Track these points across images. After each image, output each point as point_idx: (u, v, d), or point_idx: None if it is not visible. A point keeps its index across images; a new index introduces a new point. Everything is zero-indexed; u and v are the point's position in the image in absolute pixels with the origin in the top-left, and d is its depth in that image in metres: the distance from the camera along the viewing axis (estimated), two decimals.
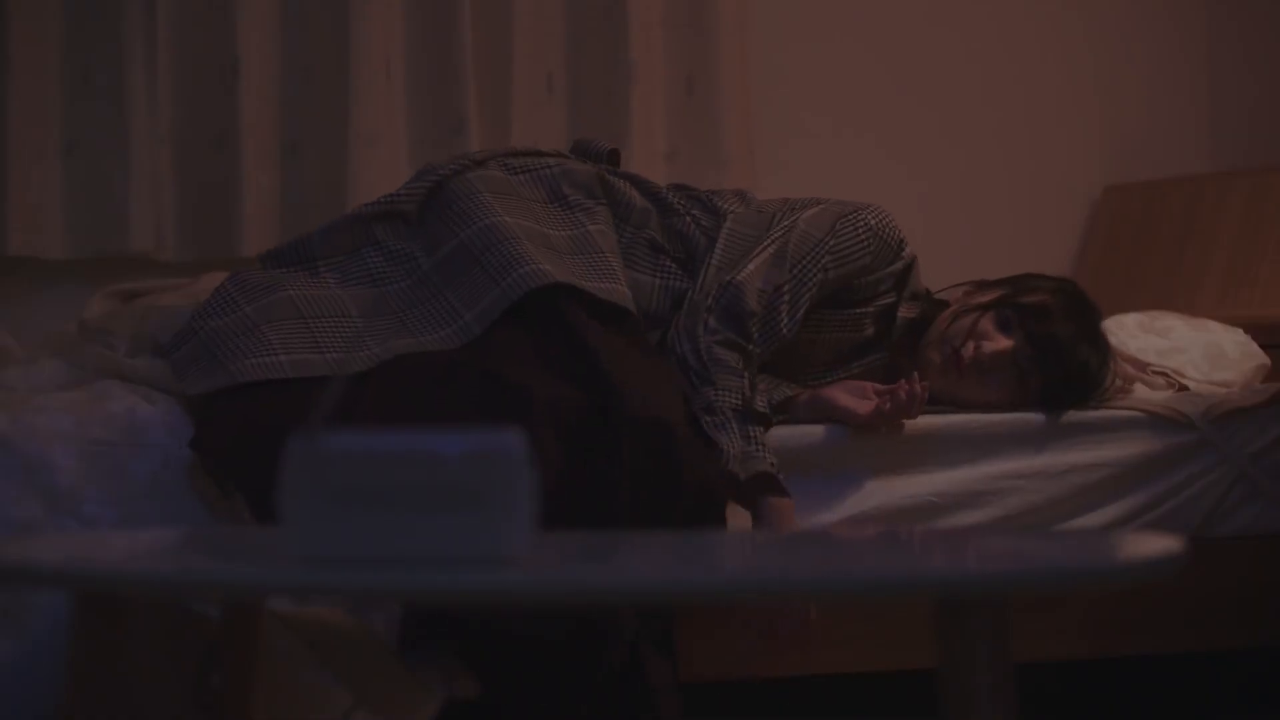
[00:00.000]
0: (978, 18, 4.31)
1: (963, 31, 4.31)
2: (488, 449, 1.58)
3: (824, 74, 4.19)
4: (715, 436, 2.70)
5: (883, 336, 3.03)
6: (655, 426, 2.54)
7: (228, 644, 2.00)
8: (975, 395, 2.97)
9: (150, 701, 1.74)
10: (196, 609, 2.23)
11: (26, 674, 2.50)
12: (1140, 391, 3.27)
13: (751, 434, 2.72)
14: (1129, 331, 3.40)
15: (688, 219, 2.92)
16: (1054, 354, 2.94)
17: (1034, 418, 2.99)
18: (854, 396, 2.87)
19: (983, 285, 3.05)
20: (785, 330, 2.84)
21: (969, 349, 2.94)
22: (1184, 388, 3.26)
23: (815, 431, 2.90)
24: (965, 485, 2.91)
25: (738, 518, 2.71)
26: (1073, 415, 3.01)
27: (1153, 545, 1.64)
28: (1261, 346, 3.39)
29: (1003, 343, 2.94)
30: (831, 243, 2.88)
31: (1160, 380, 3.29)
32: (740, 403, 2.73)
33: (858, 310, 2.97)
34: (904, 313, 3.02)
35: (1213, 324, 3.43)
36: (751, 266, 2.83)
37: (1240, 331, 3.42)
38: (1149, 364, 3.32)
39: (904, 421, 2.88)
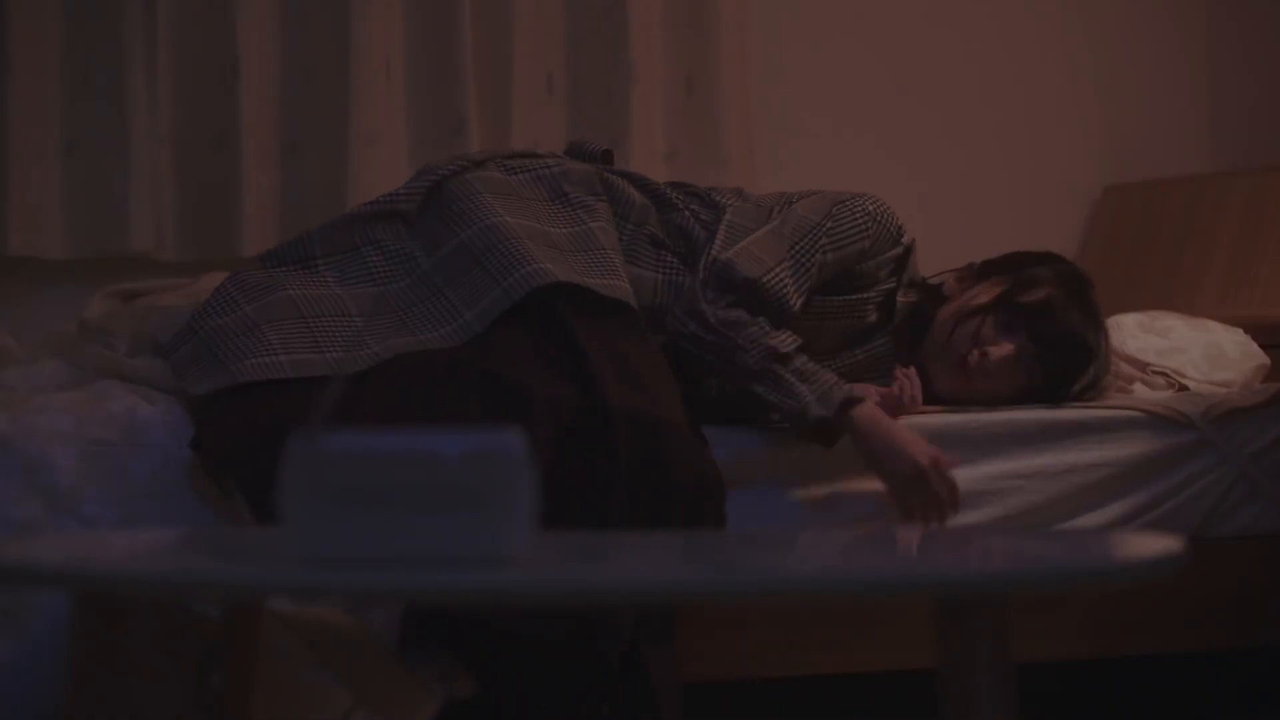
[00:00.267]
0: (978, 18, 4.31)
1: (963, 31, 4.31)
2: (488, 449, 1.58)
3: (824, 74, 4.19)
4: (782, 402, 2.74)
5: (884, 323, 3.03)
6: (641, 422, 2.54)
7: (228, 644, 2.00)
8: (984, 394, 2.99)
9: (150, 701, 1.74)
10: (196, 609, 2.23)
11: (26, 674, 2.50)
12: (1140, 391, 3.27)
13: (804, 371, 2.76)
14: (1129, 331, 3.40)
15: (687, 213, 2.93)
16: (1060, 350, 2.96)
17: (1034, 417, 2.98)
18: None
19: (977, 273, 3.06)
20: (796, 308, 2.85)
21: (974, 357, 2.96)
22: (1184, 388, 3.26)
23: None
24: (965, 485, 2.91)
25: (736, 516, 2.71)
26: (1073, 414, 3.01)
27: (1153, 545, 1.64)
28: (1261, 346, 3.40)
29: (1008, 348, 2.95)
30: (829, 225, 2.89)
31: (1160, 380, 3.29)
32: (773, 345, 2.75)
33: (859, 296, 2.98)
34: (903, 298, 3.03)
35: (1213, 324, 3.43)
36: (744, 243, 2.84)
37: (1240, 331, 3.42)
38: (1149, 364, 3.32)
39: (905, 422, 2.89)
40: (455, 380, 2.57)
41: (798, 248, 2.86)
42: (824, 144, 4.13)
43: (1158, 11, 4.42)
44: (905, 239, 3.00)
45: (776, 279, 2.82)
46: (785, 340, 2.77)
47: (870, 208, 2.94)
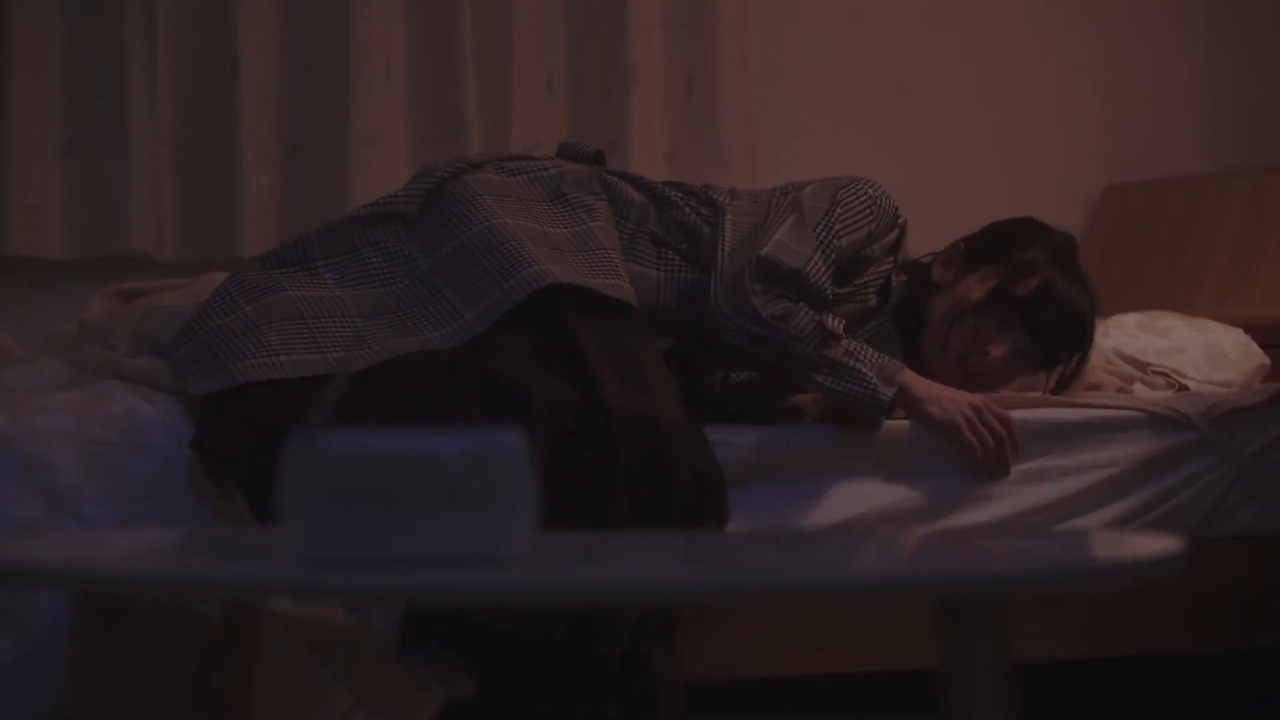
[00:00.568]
0: (978, 18, 4.31)
1: (963, 31, 4.31)
2: (488, 449, 1.58)
3: (824, 74, 4.19)
4: (849, 390, 2.79)
5: (881, 305, 3.03)
6: (641, 421, 2.54)
7: (228, 644, 2.00)
8: (986, 385, 3.00)
9: (150, 701, 1.74)
10: (196, 609, 2.23)
11: (26, 674, 2.50)
12: (1140, 391, 3.27)
13: (855, 351, 2.80)
14: (1129, 331, 3.40)
15: (687, 210, 2.93)
16: (1061, 334, 2.98)
17: (1034, 419, 2.99)
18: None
19: (965, 258, 3.04)
20: (830, 296, 2.87)
21: (974, 358, 2.96)
22: (1184, 388, 3.26)
23: (817, 432, 2.90)
24: (966, 486, 2.91)
25: (736, 514, 2.71)
26: (1073, 415, 3.01)
27: (1153, 545, 1.64)
28: (1261, 346, 3.40)
29: (1006, 345, 2.96)
30: (839, 211, 2.90)
31: (1160, 380, 3.29)
32: (825, 326, 2.78)
33: (862, 281, 2.98)
34: (896, 279, 3.03)
35: (1213, 324, 3.43)
36: (777, 236, 2.83)
37: (1240, 331, 3.42)
38: (1149, 364, 3.32)
39: (905, 424, 2.90)
40: (455, 380, 2.57)
41: (820, 236, 2.87)
42: (824, 144, 4.13)
43: (1158, 11, 4.42)
44: (900, 221, 3.01)
45: (815, 269, 2.84)
46: (832, 321, 2.80)
47: (871, 191, 2.95)
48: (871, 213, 2.93)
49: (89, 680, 1.74)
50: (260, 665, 2.00)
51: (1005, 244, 3.04)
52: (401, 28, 3.78)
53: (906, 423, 2.90)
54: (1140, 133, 4.38)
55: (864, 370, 2.80)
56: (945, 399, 2.87)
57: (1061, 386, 3.05)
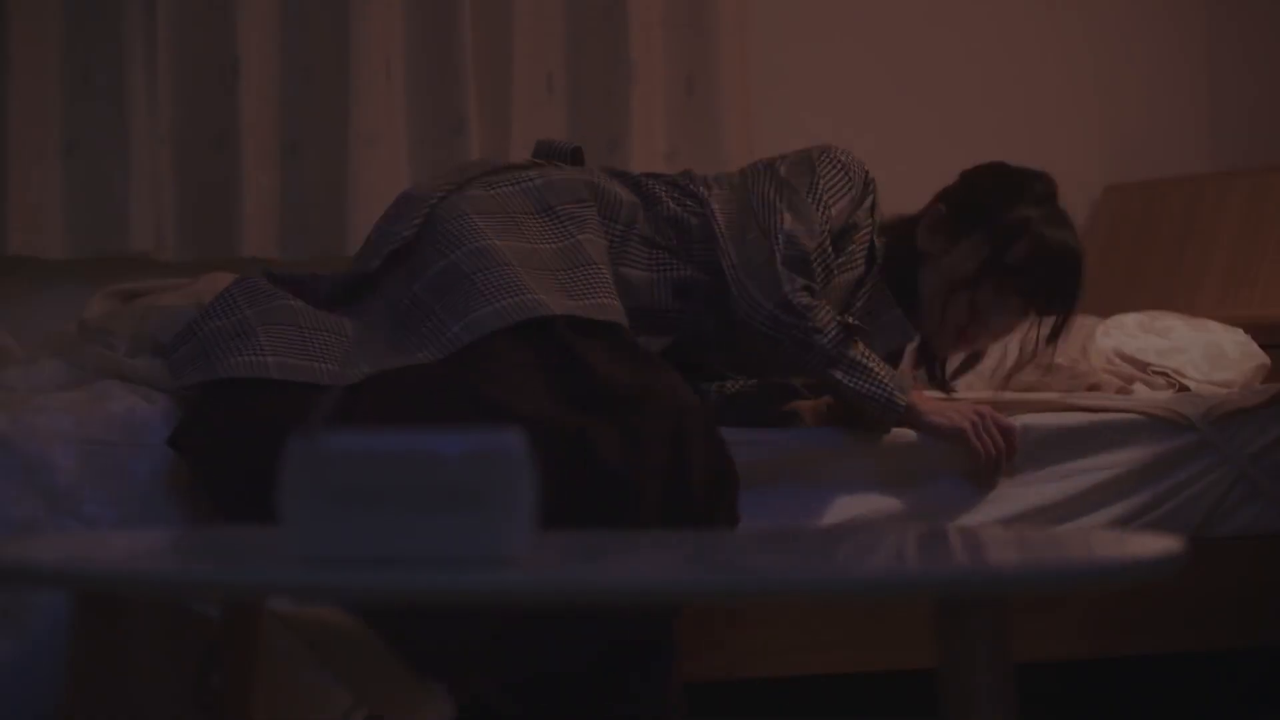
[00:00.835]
0: (978, 18, 4.31)
1: (963, 31, 4.31)
2: (488, 449, 1.58)
3: (824, 74, 4.19)
4: (864, 388, 2.79)
5: (868, 270, 3.00)
6: (661, 417, 2.54)
7: (228, 644, 2.00)
8: (988, 347, 3.02)
9: (150, 701, 1.74)
10: (196, 609, 2.23)
11: (26, 674, 2.50)
12: (1140, 391, 3.27)
13: (870, 354, 2.81)
14: (1129, 331, 3.40)
15: (670, 204, 2.91)
16: (1058, 285, 2.94)
17: (1036, 423, 2.99)
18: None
19: (950, 224, 2.98)
20: (836, 273, 2.87)
21: (974, 328, 2.95)
22: (1184, 388, 3.26)
23: (818, 435, 2.90)
24: (966, 486, 2.92)
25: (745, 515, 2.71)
26: (1074, 419, 3.01)
27: (1153, 545, 1.64)
28: (1261, 346, 3.40)
29: (1006, 313, 2.94)
30: (821, 184, 2.89)
31: (1160, 380, 3.29)
32: (846, 324, 2.79)
33: (851, 250, 2.95)
34: (878, 241, 3.00)
35: (1213, 324, 3.43)
36: (787, 227, 2.82)
37: (1240, 331, 3.42)
38: (1149, 364, 3.32)
39: (905, 430, 2.91)
40: (435, 396, 2.55)
41: (810, 216, 2.86)
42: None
43: (1158, 11, 4.42)
44: (871, 181, 2.98)
45: (820, 248, 2.84)
46: (853, 322, 2.80)
47: (842, 159, 2.94)
48: (849, 179, 2.92)
49: (89, 680, 1.74)
50: (260, 665, 2.00)
51: (988, 203, 2.99)
52: (401, 28, 3.78)
53: (906, 430, 2.90)
54: (1140, 133, 4.38)
55: (879, 372, 2.80)
56: (949, 409, 2.89)
57: (1054, 335, 3.00)
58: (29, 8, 3.56)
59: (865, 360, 2.80)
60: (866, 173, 2.97)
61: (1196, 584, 2.95)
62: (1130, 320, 3.44)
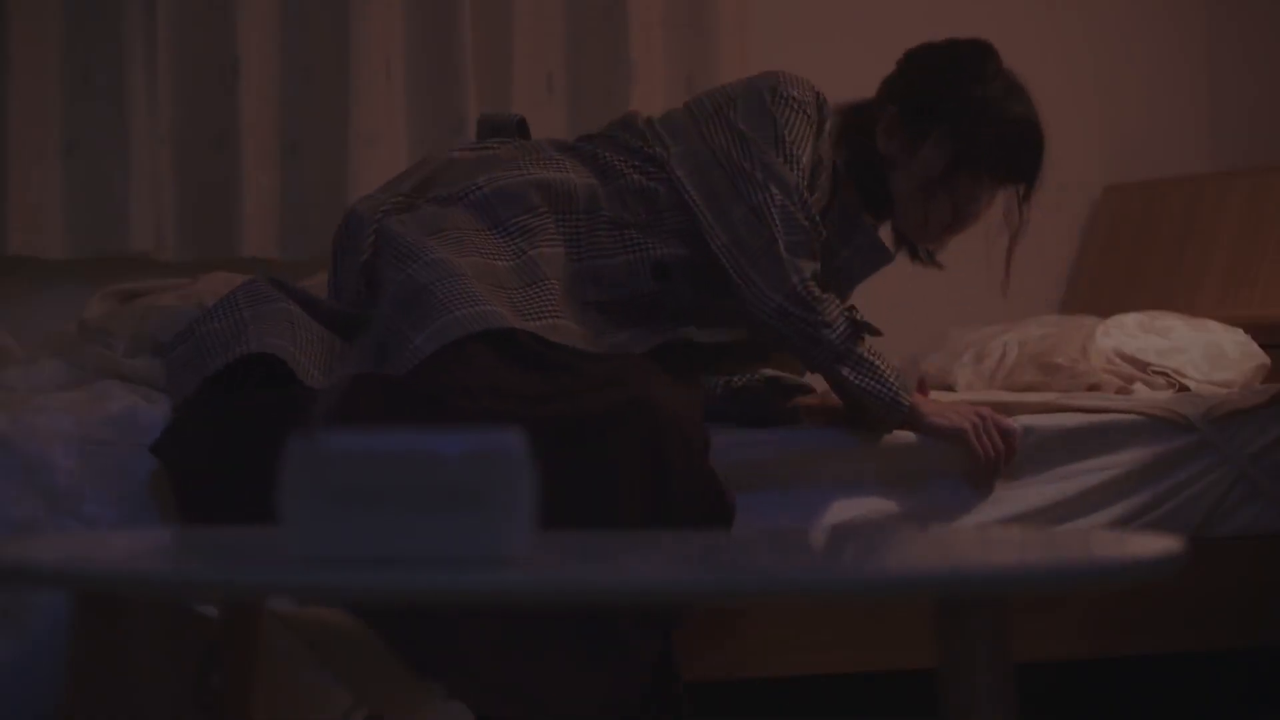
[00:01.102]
0: (977, 18, 4.30)
1: (962, 32, 4.30)
2: (488, 449, 1.58)
3: (824, 74, 4.17)
4: (870, 386, 2.79)
5: (835, 192, 2.95)
6: (638, 416, 2.53)
7: (228, 644, 2.00)
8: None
9: (150, 701, 1.74)
10: (196, 609, 2.23)
11: (26, 674, 2.50)
12: (1140, 391, 3.27)
13: (876, 351, 2.80)
14: (1129, 331, 3.40)
15: (632, 175, 2.85)
16: (1026, 153, 2.95)
17: (1037, 424, 2.99)
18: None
19: (906, 121, 2.94)
20: (821, 235, 2.84)
21: (958, 223, 2.93)
22: (1184, 388, 3.26)
23: (818, 435, 2.90)
24: (965, 491, 2.92)
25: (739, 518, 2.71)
26: (1074, 420, 3.02)
27: (1153, 545, 1.64)
28: (1261, 346, 3.40)
29: (983, 194, 2.93)
30: (786, 135, 2.84)
31: (1161, 380, 3.29)
32: (854, 320, 2.78)
33: (819, 182, 2.90)
34: (840, 159, 2.95)
35: (1213, 324, 3.43)
36: (776, 192, 2.79)
37: (1240, 331, 3.42)
38: (1149, 364, 3.32)
39: (905, 431, 2.91)
40: (397, 407, 2.53)
41: (789, 182, 2.81)
42: None
43: (1158, 11, 4.42)
44: (825, 105, 2.92)
45: (810, 219, 2.81)
46: (859, 317, 2.80)
47: (794, 93, 2.87)
48: (807, 117, 2.86)
49: (89, 680, 1.74)
50: (260, 665, 2.00)
51: (941, 93, 2.95)
52: (401, 28, 3.78)
53: (906, 431, 2.90)
54: (1140, 133, 4.38)
55: (885, 370, 2.80)
56: (950, 411, 2.89)
57: (1025, 199, 2.97)
58: (29, 8, 3.56)
59: (872, 358, 2.80)
60: (818, 95, 2.91)
61: (1196, 584, 2.95)
62: (1130, 320, 3.44)
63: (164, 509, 2.63)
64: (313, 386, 2.60)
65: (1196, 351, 3.34)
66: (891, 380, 2.80)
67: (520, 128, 2.95)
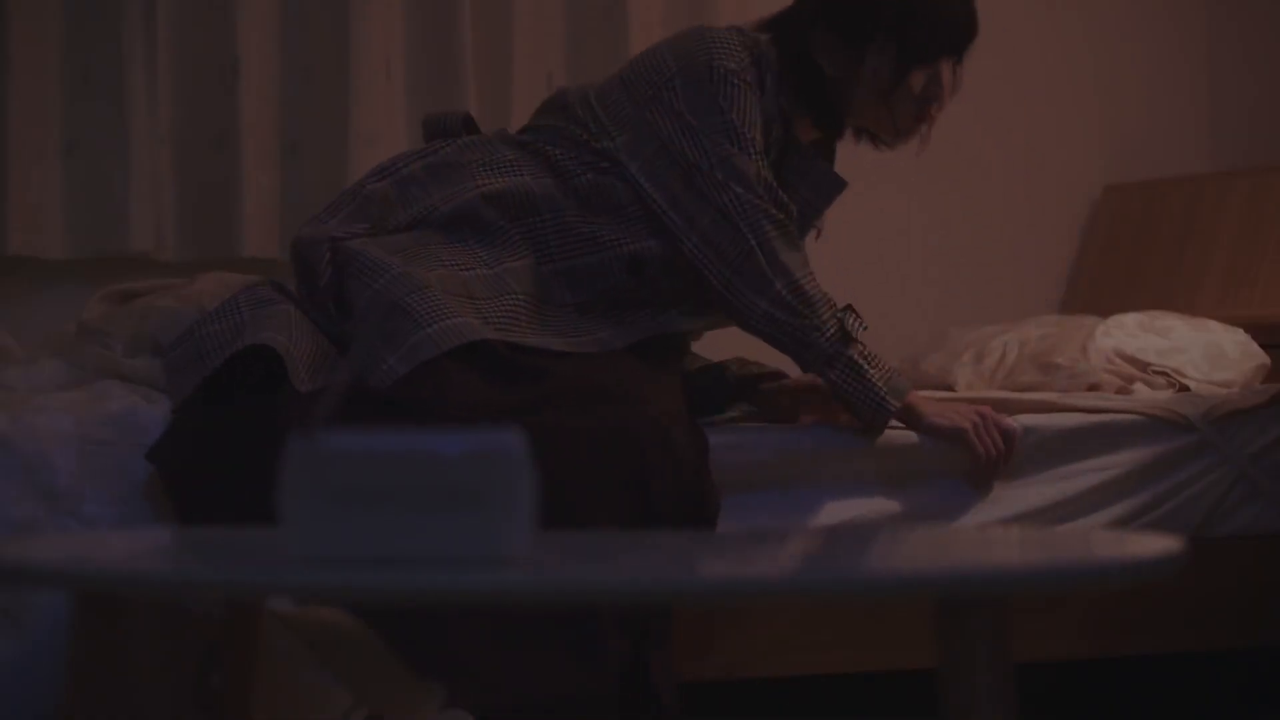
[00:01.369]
0: None
1: None
2: (488, 449, 1.58)
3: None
4: (856, 393, 2.78)
5: (789, 130, 2.91)
6: (628, 430, 2.55)
7: (228, 644, 2.00)
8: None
9: (150, 701, 1.74)
10: (196, 609, 2.23)
11: (26, 674, 2.50)
12: (1141, 392, 3.27)
13: (869, 355, 2.79)
14: (1129, 331, 3.40)
15: (586, 174, 2.82)
16: (971, 27, 2.96)
17: (1037, 424, 2.99)
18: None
19: (844, 36, 2.88)
20: (793, 214, 2.82)
21: (930, 113, 2.92)
22: (1184, 388, 3.26)
23: (818, 435, 2.90)
24: (964, 491, 2.92)
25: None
26: (1075, 420, 3.02)
27: (1153, 545, 1.64)
28: (1261, 346, 3.40)
29: (943, 80, 2.91)
30: (735, 117, 2.80)
31: (1161, 380, 3.29)
32: (848, 329, 2.77)
33: (772, 135, 2.86)
34: (786, 100, 2.89)
35: (1213, 324, 3.44)
36: (736, 188, 2.76)
37: (1240, 331, 3.42)
38: (1149, 364, 3.32)
39: (904, 431, 2.91)
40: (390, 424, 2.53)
41: (749, 172, 2.78)
42: None
43: (1158, 11, 4.42)
44: (752, 52, 2.86)
45: (779, 201, 2.79)
46: (851, 320, 2.79)
47: (733, 65, 2.80)
48: (748, 84, 2.81)
49: (89, 680, 1.74)
50: (260, 665, 2.00)
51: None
52: (401, 28, 3.78)
53: (906, 430, 2.90)
54: (1140, 133, 4.38)
55: (873, 376, 2.79)
56: (950, 410, 2.89)
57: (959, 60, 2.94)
58: (29, 8, 3.56)
59: (862, 361, 2.79)
60: (750, 51, 2.84)
61: (1196, 584, 2.95)
62: (1130, 320, 3.44)
63: (163, 509, 2.63)
64: (299, 390, 2.59)
65: (1196, 351, 3.34)
66: (878, 385, 2.79)
67: (467, 124, 2.94)
